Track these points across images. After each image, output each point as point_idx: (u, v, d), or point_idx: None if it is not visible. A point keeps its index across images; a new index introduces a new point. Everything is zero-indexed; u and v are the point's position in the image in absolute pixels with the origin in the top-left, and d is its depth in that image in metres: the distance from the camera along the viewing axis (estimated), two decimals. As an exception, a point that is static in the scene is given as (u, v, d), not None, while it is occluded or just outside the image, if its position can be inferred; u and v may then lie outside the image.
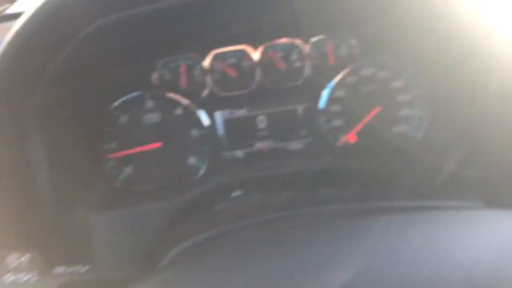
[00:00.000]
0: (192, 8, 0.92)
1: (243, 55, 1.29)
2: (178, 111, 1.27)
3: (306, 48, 1.29)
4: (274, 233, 0.66)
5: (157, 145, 1.26)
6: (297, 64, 1.30)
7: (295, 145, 1.34)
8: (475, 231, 0.51)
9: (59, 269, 0.71)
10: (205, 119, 1.28)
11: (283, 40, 1.29)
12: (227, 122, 1.31)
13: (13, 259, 0.68)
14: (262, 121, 1.32)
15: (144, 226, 1.10)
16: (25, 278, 0.68)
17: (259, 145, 1.33)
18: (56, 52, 0.90)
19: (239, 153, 1.33)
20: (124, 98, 1.24)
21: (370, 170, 1.16)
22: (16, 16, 1.30)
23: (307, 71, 1.30)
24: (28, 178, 0.98)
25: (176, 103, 1.26)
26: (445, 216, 0.57)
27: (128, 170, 1.28)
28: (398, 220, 0.57)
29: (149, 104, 1.26)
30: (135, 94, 1.24)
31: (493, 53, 0.99)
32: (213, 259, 0.60)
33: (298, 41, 1.29)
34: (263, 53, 1.29)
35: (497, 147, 1.01)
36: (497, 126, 1.03)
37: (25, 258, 0.70)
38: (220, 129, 1.30)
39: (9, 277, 0.67)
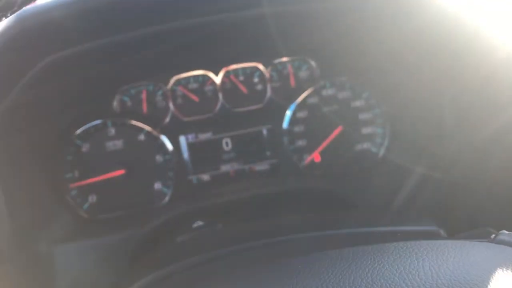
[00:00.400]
0: (145, 39, 0.92)
1: (205, 79, 1.30)
2: (141, 137, 1.27)
3: (267, 71, 1.31)
4: (234, 266, 0.66)
5: (121, 172, 1.24)
6: (259, 87, 1.32)
7: (261, 166, 1.35)
8: (431, 262, 0.52)
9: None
10: (168, 144, 1.27)
11: (244, 64, 1.30)
12: (192, 146, 1.31)
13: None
14: (227, 144, 1.32)
15: (108, 258, 1.08)
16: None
17: (225, 168, 1.33)
18: (10, 86, 0.89)
19: (205, 176, 1.33)
20: (86, 126, 1.22)
21: (334, 190, 1.18)
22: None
23: (269, 93, 1.32)
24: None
25: (139, 130, 1.26)
26: (401, 247, 0.58)
27: (92, 198, 1.26)
28: (353, 252, 0.58)
29: (111, 131, 1.25)
30: (96, 122, 1.22)
31: (443, 73, 1.03)
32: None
33: (259, 65, 1.30)
34: (225, 77, 1.30)
35: (450, 166, 1.04)
36: (452, 142, 1.06)
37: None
38: (185, 153, 1.30)
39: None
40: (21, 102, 0.94)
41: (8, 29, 0.79)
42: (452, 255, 0.50)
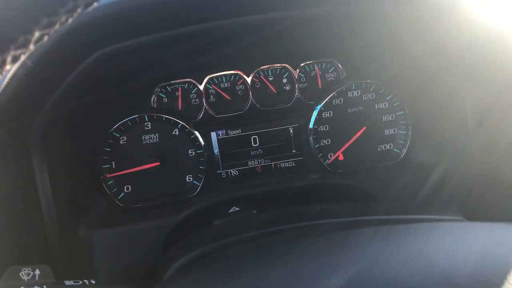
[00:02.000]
0: (191, 39, 1.00)
1: (236, 79, 1.37)
2: (175, 132, 1.34)
3: (296, 73, 1.38)
4: (270, 246, 0.72)
5: (155, 164, 1.31)
6: (288, 87, 1.38)
7: (287, 163, 1.41)
8: (456, 240, 0.58)
9: (67, 282, 0.77)
10: (201, 139, 1.34)
11: (274, 65, 1.37)
12: (222, 142, 1.38)
13: (26, 273, 0.73)
14: (255, 141, 1.39)
15: (144, 242, 1.15)
16: (37, 290, 0.73)
17: (252, 163, 1.40)
18: (61, 79, 0.97)
19: (233, 171, 1.40)
20: (124, 120, 1.30)
21: (358, 186, 1.24)
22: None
23: (297, 93, 1.38)
24: (33, 200, 1.04)
25: (174, 124, 1.33)
26: (428, 227, 0.64)
27: (127, 188, 1.34)
28: (384, 231, 0.64)
29: (148, 125, 1.32)
30: (134, 116, 1.30)
31: (467, 76, 1.08)
32: (216, 271, 0.66)
33: (288, 66, 1.37)
34: (255, 77, 1.37)
35: (473, 163, 1.09)
36: (473, 142, 1.11)
37: (36, 272, 0.75)
38: (215, 148, 1.37)
39: (23, 289, 0.72)
40: (70, 95, 1.02)
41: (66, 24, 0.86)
42: (474, 233, 0.56)
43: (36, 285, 0.75)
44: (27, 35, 0.39)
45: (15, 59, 0.41)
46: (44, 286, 0.76)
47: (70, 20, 0.41)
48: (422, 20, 0.94)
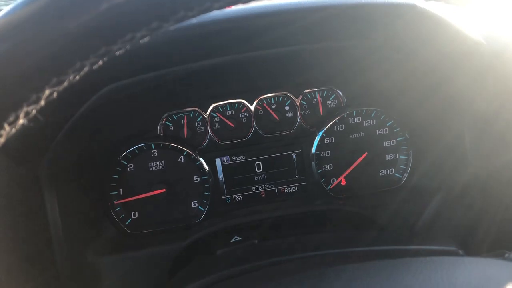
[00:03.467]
0: (201, 72, 1.04)
1: (240, 107, 1.41)
2: (181, 159, 1.38)
3: (298, 100, 1.42)
4: (269, 277, 0.75)
5: (162, 190, 1.35)
6: (290, 115, 1.42)
7: (290, 188, 1.44)
8: (452, 277, 0.60)
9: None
10: (206, 166, 1.38)
11: (277, 93, 1.41)
12: (226, 168, 1.41)
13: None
14: (258, 166, 1.43)
15: (150, 268, 1.18)
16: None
17: (256, 189, 1.43)
18: (70, 114, 1.02)
19: (238, 196, 1.43)
20: (132, 148, 1.34)
21: (359, 212, 1.26)
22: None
23: (299, 120, 1.42)
24: (42, 225, 1.07)
25: (179, 152, 1.37)
26: (424, 262, 0.66)
27: (134, 214, 1.37)
28: (380, 266, 0.66)
29: (154, 153, 1.36)
30: (142, 144, 1.34)
31: (464, 100, 1.11)
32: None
33: (290, 94, 1.41)
34: (258, 105, 1.41)
35: (472, 191, 1.11)
36: (473, 172, 1.13)
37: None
38: (220, 174, 1.41)
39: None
40: (79, 125, 1.07)
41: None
42: (464, 270, 0.58)
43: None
44: (39, 94, 0.43)
45: (27, 114, 0.45)
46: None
47: (77, 78, 0.45)
48: (413, 49, 0.98)
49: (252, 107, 1.41)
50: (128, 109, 1.23)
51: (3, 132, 0.43)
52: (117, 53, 0.44)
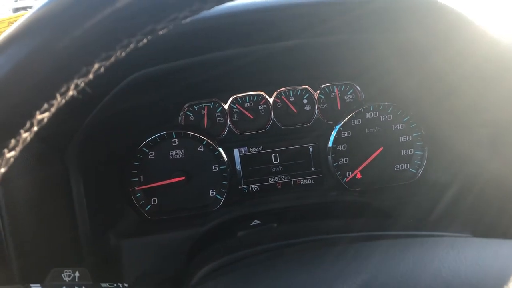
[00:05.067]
0: (216, 64, 1.08)
1: (259, 99, 1.44)
2: (200, 148, 1.42)
3: (316, 94, 1.45)
4: (289, 255, 0.78)
5: (181, 178, 1.39)
6: (308, 108, 1.45)
7: (306, 180, 1.47)
8: (461, 254, 0.63)
9: (103, 285, 0.84)
10: (224, 156, 1.41)
11: (296, 87, 1.44)
12: (244, 158, 1.45)
13: (67, 275, 0.81)
14: (275, 158, 1.46)
15: (170, 252, 1.22)
16: (77, 289, 0.80)
17: (272, 180, 1.46)
18: (97, 102, 1.06)
19: (255, 187, 1.46)
20: (153, 136, 1.38)
21: (374, 204, 1.28)
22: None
23: (317, 114, 1.45)
24: (69, 209, 1.12)
25: (199, 141, 1.41)
26: (434, 242, 0.69)
27: (153, 201, 1.41)
28: (395, 244, 0.69)
29: (175, 141, 1.41)
30: (163, 132, 1.38)
31: (482, 96, 1.13)
32: (239, 277, 0.72)
33: (309, 88, 1.44)
34: (277, 98, 1.44)
35: (486, 184, 1.13)
36: (487, 164, 1.15)
37: (76, 274, 0.82)
38: (238, 164, 1.44)
39: (65, 288, 0.79)
40: (105, 111, 1.11)
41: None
42: (476, 249, 0.61)
43: (76, 286, 0.82)
44: (88, 67, 0.47)
45: (76, 87, 0.49)
46: (83, 287, 0.83)
47: (123, 54, 0.49)
48: (433, 47, 1.00)
49: (271, 100, 1.44)
50: (152, 98, 1.27)
51: (55, 102, 0.47)
52: (160, 32, 0.48)
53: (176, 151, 1.41)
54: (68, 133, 1.09)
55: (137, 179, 1.41)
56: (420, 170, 1.43)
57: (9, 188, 0.96)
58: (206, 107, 1.43)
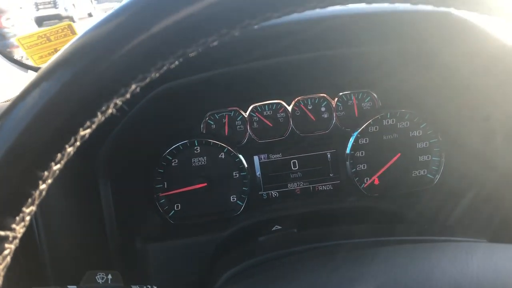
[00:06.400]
0: (237, 75, 1.13)
1: (278, 107, 1.49)
2: (222, 155, 1.47)
3: (334, 102, 1.48)
4: (310, 259, 0.82)
5: (203, 185, 1.44)
6: (326, 115, 1.49)
7: (324, 186, 1.50)
8: (479, 260, 0.65)
9: (134, 287, 0.89)
10: (244, 163, 1.46)
11: (314, 95, 1.48)
12: (264, 165, 1.49)
13: (100, 277, 0.86)
14: (294, 165, 1.50)
15: (193, 255, 1.27)
16: (110, 291, 0.85)
17: (292, 186, 1.50)
18: (124, 113, 1.12)
19: (274, 193, 1.50)
20: (177, 144, 1.44)
21: (392, 209, 1.31)
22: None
23: (335, 121, 1.48)
24: (99, 218, 1.19)
25: (220, 149, 1.46)
26: (452, 247, 0.71)
27: (177, 206, 1.47)
28: (410, 249, 0.72)
29: (197, 149, 1.46)
30: (186, 141, 1.44)
31: (495, 100, 1.15)
32: (262, 280, 0.76)
33: (326, 96, 1.48)
34: (296, 106, 1.49)
35: (503, 191, 1.15)
36: (504, 169, 1.17)
37: (109, 276, 0.88)
38: (258, 171, 1.49)
39: (99, 290, 0.85)
40: (132, 121, 1.17)
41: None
42: (492, 255, 0.64)
43: (108, 288, 0.87)
44: (126, 88, 0.52)
45: (115, 105, 0.53)
46: (115, 289, 0.88)
47: (157, 75, 0.54)
48: (445, 54, 1.03)
49: (289, 108, 1.48)
50: (175, 107, 1.33)
51: (96, 119, 0.52)
52: (190, 54, 0.53)
53: (198, 159, 1.46)
54: (98, 144, 1.15)
55: (161, 185, 1.46)
56: (438, 176, 1.45)
57: (44, 196, 1.02)
58: (227, 115, 1.48)
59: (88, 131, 0.51)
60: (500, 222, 1.01)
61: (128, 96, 0.54)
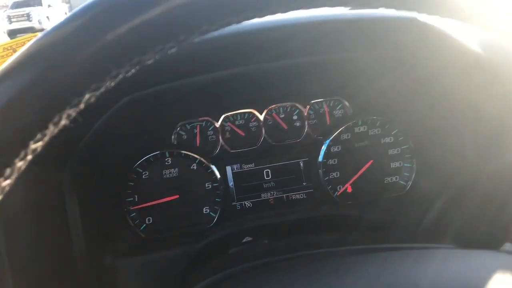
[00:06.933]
0: (208, 85, 1.11)
1: (250, 116, 1.48)
2: (193, 166, 1.44)
3: (305, 110, 1.48)
4: (282, 271, 0.80)
5: (175, 197, 1.41)
6: (298, 124, 1.48)
7: (298, 195, 1.49)
8: (441, 266, 0.65)
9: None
10: (217, 173, 1.44)
11: (285, 104, 1.48)
12: (236, 175, 1.47)
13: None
14: (267, 174, 1.48)
15: (165, 270, 1.23)
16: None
17: (265, 196, 1.49)
18: (89, 127, 1.09)
19: (247, 203, 1.48)
20: (147, 156, 1.40)
21: (364, 217, 1.31)
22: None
23: (307, 129, 1.48)
24: (66, 232, 1.14)
25: (192, 160, 1.43)
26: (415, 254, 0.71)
27: (148, 220, 1.43)
28: (378, 257, 0.71)
29: (168, 161, 1.43)
30: (156, 152, 1.41)
31: (466, 108, 1.16)
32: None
33: (298, 105, 1.48)
34: (268, 115, 1.48)
35: (473, 195, 1.16)
36: (473, 175, 1.18)
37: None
38: (230, 181, 1.47)
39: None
40: (99, 134, 1.13)
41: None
42: (457, 260, 0.63)
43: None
44: (79, 97, 0.50)
45: (68, 116, 0.51)
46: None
47: (112, 84, 0.51)
48: (415, 61, 1.04)
49: (261, 117, 1.47)
50: (145, 119, 1.30)
51: (48, 132, 0.49)
52: (148, 62, 0.51)
53: (169, 170, 1.43)
54: (63, 157, 1.11)
55: (132, 198, 1.42)
56: (410, 182, 1.46)
57: (5, 208, 0.98)
58: (198, 126, 1.46)
59: (39, 144, 0.48)
60: (470, 226, 1.02)
61: (82, 106, 0.52)
